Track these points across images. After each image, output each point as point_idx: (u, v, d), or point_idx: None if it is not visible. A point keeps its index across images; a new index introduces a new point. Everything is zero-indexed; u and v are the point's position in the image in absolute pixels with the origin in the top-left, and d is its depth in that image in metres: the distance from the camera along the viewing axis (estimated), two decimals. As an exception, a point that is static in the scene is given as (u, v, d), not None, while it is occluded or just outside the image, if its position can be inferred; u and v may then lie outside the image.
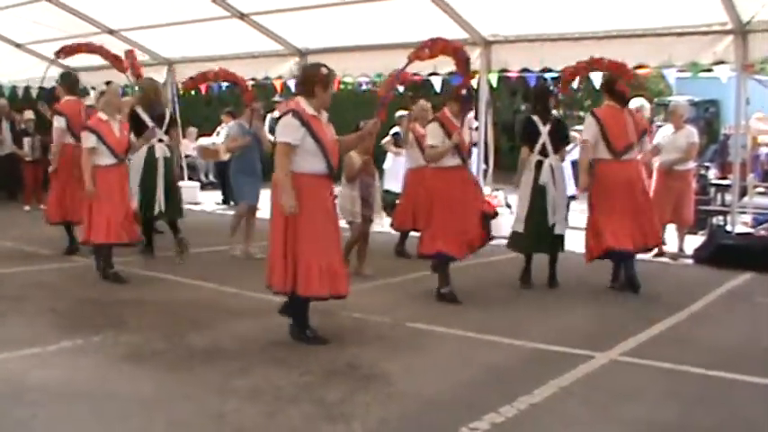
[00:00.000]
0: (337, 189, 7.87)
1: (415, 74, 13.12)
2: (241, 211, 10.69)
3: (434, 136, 8.24)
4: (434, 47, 8.61)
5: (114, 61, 12.46)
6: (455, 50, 8.69)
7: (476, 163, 13.11)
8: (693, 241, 11.46)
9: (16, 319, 7.06)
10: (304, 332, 6.61)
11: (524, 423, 4.91)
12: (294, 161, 6.43)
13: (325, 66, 6.66)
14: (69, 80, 10.94)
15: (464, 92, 8.48)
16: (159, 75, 16.69)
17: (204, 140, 17.76)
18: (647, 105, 12.48)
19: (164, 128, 10.26)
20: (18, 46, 17.01)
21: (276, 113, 16.08)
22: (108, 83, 9.07)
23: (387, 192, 15.03)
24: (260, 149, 10.62)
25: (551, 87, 10.50)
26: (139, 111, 10.16)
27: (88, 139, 8.81)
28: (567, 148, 14.35)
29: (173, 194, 10.34)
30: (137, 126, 9.94)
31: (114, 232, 8.80)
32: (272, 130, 9.07)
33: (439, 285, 8.33)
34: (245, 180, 10.62)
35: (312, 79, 6.57)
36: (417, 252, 8.62)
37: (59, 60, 12.72)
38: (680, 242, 11.37)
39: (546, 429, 4.87)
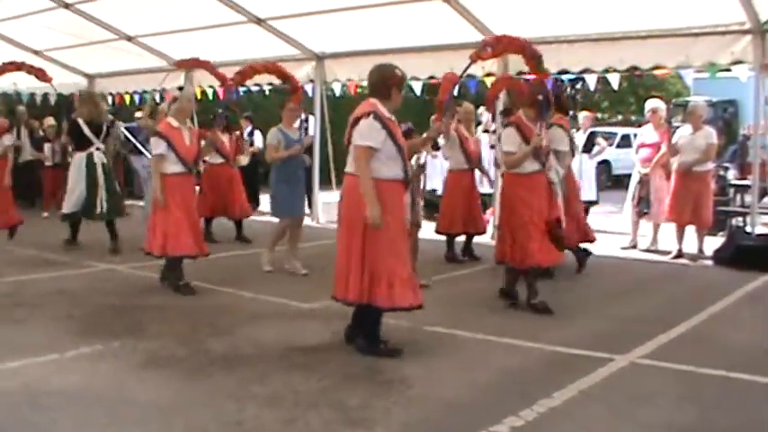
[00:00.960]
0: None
1: (431, 77, 13.16)
2: (283, 226, 9.93)
3: (511, 142, 7.90)
4: (498, 45, 8.20)
5: (38, 74, 12.78)
6: (522, 48, 8.27)
7: (492, 165, 13.09)
8: (713, 243, 11.39)
9: (35, 326, 7.09)
10: (377, 345, 6.41)
11: (544, 426, 4.90)
12: (372, 168, 6.15)
13: (398, 67, 6.50)
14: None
15: (540, 97, 8.02)
16: (177, 80, 16.76)
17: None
18: (663, 106, 12.46)
19: (101, 138, 11.27)
20: (36, 53, 17.09)
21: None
22: (180, 88, 8.91)
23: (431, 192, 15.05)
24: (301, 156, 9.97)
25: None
26: (81, 122, 11.16)
27: (158, 146, 8.49)
28: (594, 151, 14.45)
29: (113, 196, 11.29)
30: (78, 136, 11.14)
31: (173, 245, 8.47)
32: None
33: (528, 297, 8.04)
34: (288, 191, 9.76)
35: (389, 81, 6.37)
36: (497, 259, 8.31)
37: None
38: (699, 243, 11.30)
39: (565, 433, 4.85)
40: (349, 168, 6.35)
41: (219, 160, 12.33)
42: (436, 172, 14.35)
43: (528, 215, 7.84)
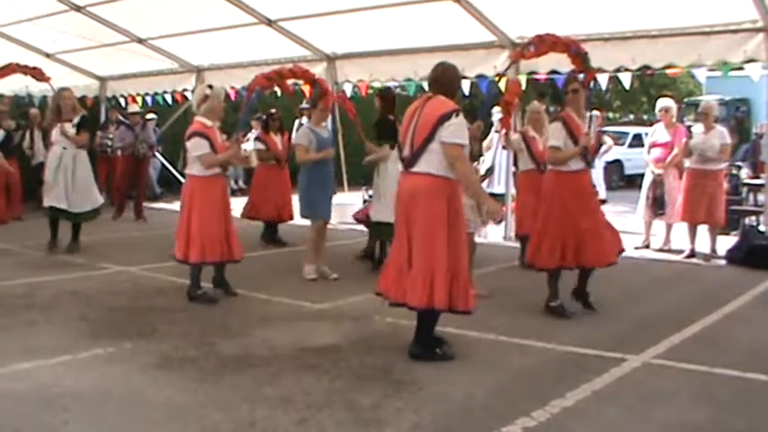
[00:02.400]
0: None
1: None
2: (317, 230, 9.56)
3: (557, 137, 7.59)
4: (541, 44, 7.98)
5: (35, 74, 12.80)
6: (566, 46, 8.02)
7: (506, 166, 13.07)
8: (725, 242, 11.34)
9: (48, 327, 7.10)
10: (435, 350, 6.30)
11: (556, 427, 4.88)
12: (447, 166, 6.01)
13: None
14: None
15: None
16: (188, 82, 16.81)
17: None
18: (675, 105, 12.43)
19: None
20: (48, 56, 17.16)
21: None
22: (210, 86, 8.67)
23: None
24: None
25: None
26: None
27: (201, 146, 8.04)
28: (601, 150, 14.39)
29: None
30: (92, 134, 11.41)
31: (210, 251, 8.14)
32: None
33: (548, 298, 7.90)
34: (319, 194, 9.50)
35: (458, 82, 6.38)
36: (527, 262, 8.19)
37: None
38: (712, 243, 11.26)
39: (578, 433, 4.84)
40: (426, 168, 6.07)
41: (271, 162, 12.19)
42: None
43: (566, 214, 7.60)
